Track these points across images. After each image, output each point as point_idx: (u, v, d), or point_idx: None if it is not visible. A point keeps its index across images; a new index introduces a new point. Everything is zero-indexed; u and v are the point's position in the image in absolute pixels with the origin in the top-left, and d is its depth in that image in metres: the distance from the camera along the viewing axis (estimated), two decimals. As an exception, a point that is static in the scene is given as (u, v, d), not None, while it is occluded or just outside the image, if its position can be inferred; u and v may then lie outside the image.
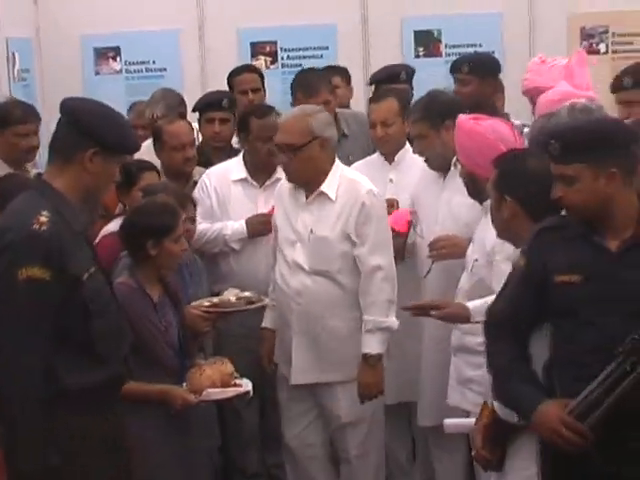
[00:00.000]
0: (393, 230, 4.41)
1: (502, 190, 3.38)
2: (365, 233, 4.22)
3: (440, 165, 4.54)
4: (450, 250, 4.26)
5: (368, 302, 4.25)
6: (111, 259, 4.08)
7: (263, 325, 4.47)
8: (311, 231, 4.24)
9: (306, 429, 4.42)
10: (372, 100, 5.13)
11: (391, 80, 5.82)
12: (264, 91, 6.20)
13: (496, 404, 3.10)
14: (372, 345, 4.23)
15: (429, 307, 3.89)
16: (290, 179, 4.30)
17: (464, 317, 3.77)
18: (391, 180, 4.81)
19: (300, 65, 7.54)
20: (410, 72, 5.93)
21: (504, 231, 3.48)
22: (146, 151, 5.59)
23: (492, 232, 3.56)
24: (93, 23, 7.69)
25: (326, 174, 4.25)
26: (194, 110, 5.69)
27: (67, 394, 3.17)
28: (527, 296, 3.19)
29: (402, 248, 4.52)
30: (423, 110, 4.58)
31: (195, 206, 4.59)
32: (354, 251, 4.24)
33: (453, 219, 4.38)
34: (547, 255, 3.13)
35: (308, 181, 4.26)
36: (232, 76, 6.29)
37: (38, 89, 7.54)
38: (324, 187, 4.24)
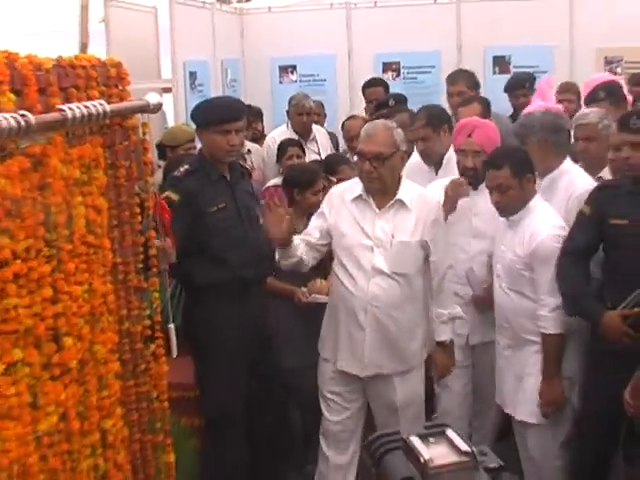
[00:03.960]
0: None
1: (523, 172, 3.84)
2: (438, 240, 4.06)
3: (436, 160, 4.86)
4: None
5: (442, 298, 4.17)
6: None
7: None
8: (392, 236, 3.98)
9: (350, 417, 4.27)
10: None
11: (382, 106, 6.04)
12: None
13: None
14: (448, 333, 4.19)
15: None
16: (372, 186, 4.01)
17: None
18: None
19: (416, 78, 8.88)
20: (399, 98, 6.19)
21: (524, 205, 3.88)
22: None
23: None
24: (278, 49, 9.07)
25: (399, 184, 4.04)
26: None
27: (201, 288, 3.86)
28: (590, 234, 3.71)
29: None
30: (427, 118, 4.82)
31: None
32: (431, 257, 4.07)
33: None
34: (605, 205, 3.67)
35: (388, 190, 4.01)
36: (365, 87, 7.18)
37: (243, 93, 8.89)
38: (400, 195, 4.00)
